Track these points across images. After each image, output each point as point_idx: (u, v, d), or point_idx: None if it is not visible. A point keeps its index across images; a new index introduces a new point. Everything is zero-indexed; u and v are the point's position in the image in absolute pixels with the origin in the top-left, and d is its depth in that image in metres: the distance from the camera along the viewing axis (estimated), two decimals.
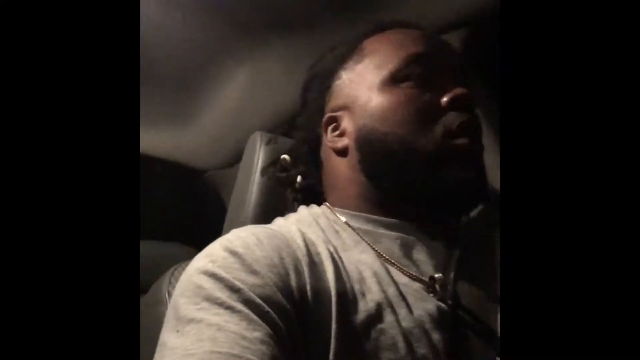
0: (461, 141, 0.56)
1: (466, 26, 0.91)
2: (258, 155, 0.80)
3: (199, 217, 1.38)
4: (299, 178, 0.70)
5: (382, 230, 0.57)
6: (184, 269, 0.52)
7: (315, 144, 0.68)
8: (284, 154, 0.73)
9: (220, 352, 0.40)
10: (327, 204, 0.63)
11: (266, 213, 0.74)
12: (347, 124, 0.62)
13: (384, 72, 0.60)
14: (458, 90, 0.57)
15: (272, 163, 0.75)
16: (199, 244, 0.54)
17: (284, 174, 0.73)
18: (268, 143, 0.80)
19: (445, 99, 0.57)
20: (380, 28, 0.66)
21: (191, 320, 0.43)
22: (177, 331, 0.43)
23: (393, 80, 0.59)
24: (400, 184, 0.58)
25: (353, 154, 0.61)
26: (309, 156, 0.70)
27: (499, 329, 0.49)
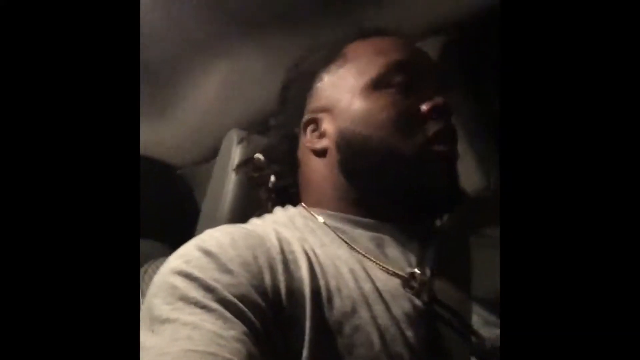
0: (438, 148, 0.58)
1: (446, 31, 0.92)
2: (234, 154, 0.80)
3: (172, 213, 1.36)
4: (272, 178, 0.71)
5: (358, 230, 0.58)
6: (157, 266, 0.51)
7: (292, 143, 0.69)
8: (259, 152, 0.73)
9: (196, 351, 0.40)
10: (303, 204, 0.64)
11: (242, 211, 0.74)
12: (327, 125, 0.63)
13: (366, 77, 0.61)
14: (437, 99, 0.59)
15: (246, 161, 0.75)
16: (172, 241, 0.54)
17: (257, 174, 0.73)
18: (242, 141, 0.79)
19: (424, 106, 0.59)
20: (362, 34, 0.67)
21: (166, 320, 0.43)
22: (152, 331, 0.43)
23: (375, 86, 0.60)
24: (378, 185, 0.59)
25: (332, 154, 0.62)
26: (285, 156, 0.70)
27: (499, 333, 0.49)
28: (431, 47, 0.84)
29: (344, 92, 0.62)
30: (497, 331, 0.49)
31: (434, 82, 0.63)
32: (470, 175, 0.84)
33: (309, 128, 0.65)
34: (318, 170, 0.63)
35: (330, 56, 0.66)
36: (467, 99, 0.92)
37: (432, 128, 0.58)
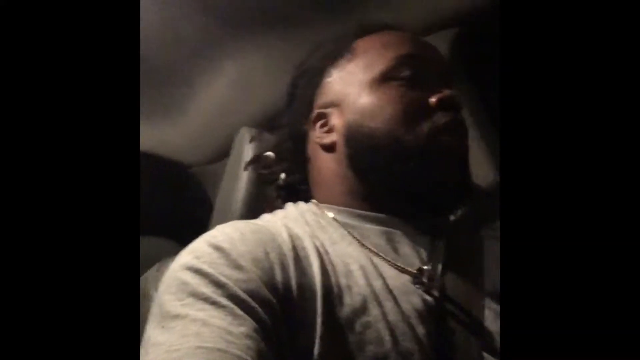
0: (446, 140, 0.58)
1: (451, 26, 0.91)
2: (246, 152, 0.80)
3: (184, 212, 1.37)
4: (282, 175, 0.71)
5: (368, 225, 0.58)
6: (170, 263, 0.52)
7: (301, 140, 0.69)
8: (270, 150, 0.73)
9: (205, 347, 0.40)
10: (314, 200, 0.64)
11: (254, 209, 0.75)
12: (336, 120, 0.63)
13: (375, 71, 0.61)
14: (446, 91, 0.59)
15: (256, 159, 0.76)
16: (184, 239, 0.54)
17: (266, 171, 0.73)
18: (254, 140, 0.80)
19: (433, 98, 0.59)
20: (370, 30, 0.67)
21: (176, 316, 0.43)
22: (162, 327, 0.43)
23: (383, 79, 0.60)
24: (387, 179, 0.59)
25: (341, 149, 0.62)
26: (294, 152, 0.70)
27: (499, 330, 0.49)
28: (439, 41, 0.84)
29: (352, 86, 0.62)
30: None
31: (442, 75, 0.63)
32: (481, 169, 0.84)
33: (318, 123, 0.65)
34: (327, 166, 0.63)
35: (338, 51, 0.66)
36: (477, 93, 0.91)
37: (440, 120, 0.58)
